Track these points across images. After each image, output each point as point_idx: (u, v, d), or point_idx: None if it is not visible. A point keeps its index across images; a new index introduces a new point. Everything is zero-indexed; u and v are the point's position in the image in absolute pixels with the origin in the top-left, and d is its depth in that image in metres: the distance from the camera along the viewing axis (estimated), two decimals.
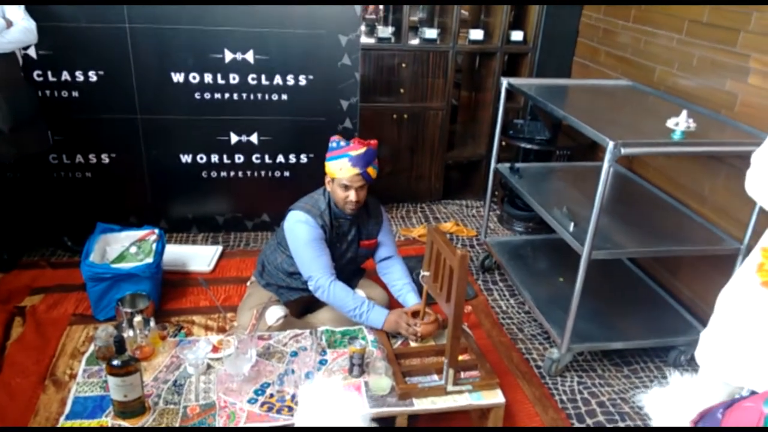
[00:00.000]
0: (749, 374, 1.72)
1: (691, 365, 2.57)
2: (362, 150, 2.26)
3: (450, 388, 1.99)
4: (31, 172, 3.04)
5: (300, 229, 2.31)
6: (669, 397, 1.96)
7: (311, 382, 1.99)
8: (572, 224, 2.45)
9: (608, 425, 2.28)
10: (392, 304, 2.66)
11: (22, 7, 2.69)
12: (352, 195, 2.29)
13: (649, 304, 2.81)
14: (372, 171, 2.30)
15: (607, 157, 2.13)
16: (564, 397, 2.41)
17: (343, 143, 2.29)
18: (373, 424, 1.88)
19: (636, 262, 3.13)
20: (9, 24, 2.61)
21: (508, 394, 2.12)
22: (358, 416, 1.84)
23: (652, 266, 3.09)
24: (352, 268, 2.57)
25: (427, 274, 2.11)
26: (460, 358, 2.08)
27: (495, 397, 2.02)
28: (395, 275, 2.51)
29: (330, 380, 2.00)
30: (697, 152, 2.66)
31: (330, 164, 2.29)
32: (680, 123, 2.32)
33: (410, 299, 2.41)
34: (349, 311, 2.29)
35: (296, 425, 1.83)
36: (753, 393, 1.88)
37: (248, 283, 2.67)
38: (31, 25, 2.70)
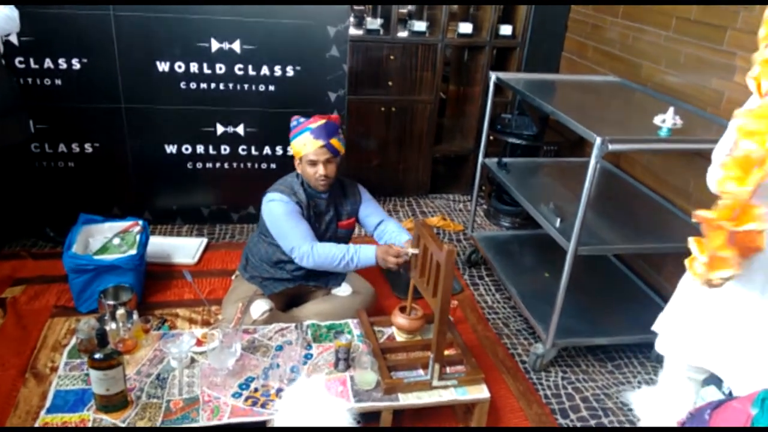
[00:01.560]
0: (705, 354, 1.75)
1: None
2: (321, 122, 2.28)
3: (435, 383, 2.00)
4: (12, 161, 2.98)
5: (275, 205, 2.33)
6: (657, 397, 1.99)
7: (297, 376, 1.98)
8: (559, 220, 2.46)
9: (592, 421, 2.30)
10: (379, 297, 2.66)
11: None
12: (320, 169, 2.29)
13: (634, 300, 2.83)
14: (336, 143, 2.30)
15: (594, 153, 2.14)
16: (548, 392, 2.43)
17: (302, 119, 2.31)
18: (356, 424, 1.87)
19: (621, 259, 3.15)
20: None
21: (492, 389, 2.12)
22: (342, 414, 1.83)
23: (636, 263, 3.12)
24: None
25: (415, 251, 2.09)
26: (446, 352, 2.08)
27: (480, 392, 2.03)
28: (391, 230, 2.45)
29: (312, 380, 1.98)
30: (684, 149, 2.68)
31: (294, 143, 2.31)
32: (667, 120, 2.33)
33: (404, 236, 2.38)
34: (340, 264, 2.28)
35: (275, 423, 1.82)
36: (718, 384, 1.90)
37: (233, 277, 2.65)
38: (13, 13, 2.64)
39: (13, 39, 2.92)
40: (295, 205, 2.33)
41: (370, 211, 2.54)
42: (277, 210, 2.32)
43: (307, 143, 2.27)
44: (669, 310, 1.90)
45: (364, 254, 2.29)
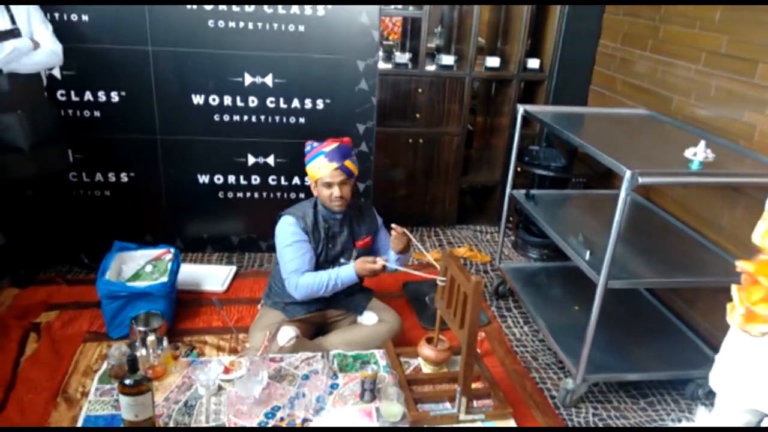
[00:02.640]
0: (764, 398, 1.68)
1: (710, 399, 2.51)
2: (334, 145, 2.35)
3: (462, 416, 1.97)
4: (51, 189, 3.08)
5: (282, 232, 2.41)
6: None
7: (322, 406, 1.97)
8: (588, 252, 2.43)
9: None
10: (405, 328, 2.65)
11: (50, 29, 2.77)
12: (336, 191, 2.35)
13: (666, 335, 2.76)
14: (350, 164, 2.37)
15: (625, 185, 2.12)
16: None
17: (315, 144, 2.37)
18: None
19: (653, 293, 3.09)
20: (36, 45, 2.68)
21: (521, 424, 2.09)
22: None
23: (669, 297, 3.05)
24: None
25: (443, 279, 2.09)
26: (473, 386, 2.06)
27: (508, 426, 1.99)
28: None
29: (344, 410, 1.98)
30: (716, 183, 2.64)
31: (309, 167, 2.38)
32: (698, 153, 2.31)
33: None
34: (326, 288, 2.34)
35: None
36: None
37: (259, 306, 2.68)
38: (57, 47, 2.77)
39: (56, 72, 3.05)
40: (301, 231, 2.39)
41: (386, 241, 2.58)
42: (282, 238, 2.41)
43: (321, 166, 2.33)
44: (724, 351, 1.83)
45: (344, 272, 2.36)
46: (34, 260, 3.20)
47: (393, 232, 2.39)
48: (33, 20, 2.71)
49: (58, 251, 3.28)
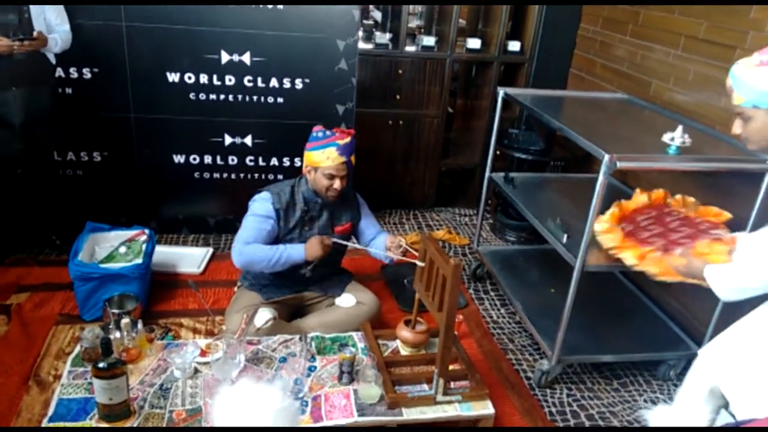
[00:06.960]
0: (740, 392, 1.70)
1: (681, 380, 2.56)
2: (348, 139, 2.34)
3: (440, 398, 1.98)
4: (38, 169, 3.02)
5: (254, 204, 2.41)
6: (674, 416, 1.94)
7: (301, 388, 1.97)
8: (565, 236, 2.44)
9: None
10: (383, 310, 2.65)
11: (62, 8, 2.77)
12: (337, 183, 2.35)
13: (640, 317, 2.81)
14: (353, 159, 2.39)
15: (602, 169, 2.13)
16: (553, 409, 2.40)
17: (328, 133, 2.34)
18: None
19: (628, 276, 3.13)
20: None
21: (497, 406, 2.10)
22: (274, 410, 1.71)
23: (643, 280, 3.08)
24: (332, 260, 2.54)
25: (421, 264, 2.10)
26: (450, 367, 2.07)
27: (484, 408, 2.02)
28: (381, 241, 2.52)
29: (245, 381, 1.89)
30: (692, 168, 2.66)
31: (315, 153, 2.34)
32: (675, 138, 2.33)
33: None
34: (271, 259, 2.30)
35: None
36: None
37: (236, 288, 2.65)
38: (67, 26, 2.81)
39: None
40: (273, 209, 2.38)
41: (369, 224, 2.61)
42: (252, 207, 2.40)
43: (330, 157, 2.30)
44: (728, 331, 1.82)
45: (294, 248, 2.33)
46: (4, 241, 3.11)
47: (389, 242, 2.37)
48: None
49: (28, 232, 3.20)
